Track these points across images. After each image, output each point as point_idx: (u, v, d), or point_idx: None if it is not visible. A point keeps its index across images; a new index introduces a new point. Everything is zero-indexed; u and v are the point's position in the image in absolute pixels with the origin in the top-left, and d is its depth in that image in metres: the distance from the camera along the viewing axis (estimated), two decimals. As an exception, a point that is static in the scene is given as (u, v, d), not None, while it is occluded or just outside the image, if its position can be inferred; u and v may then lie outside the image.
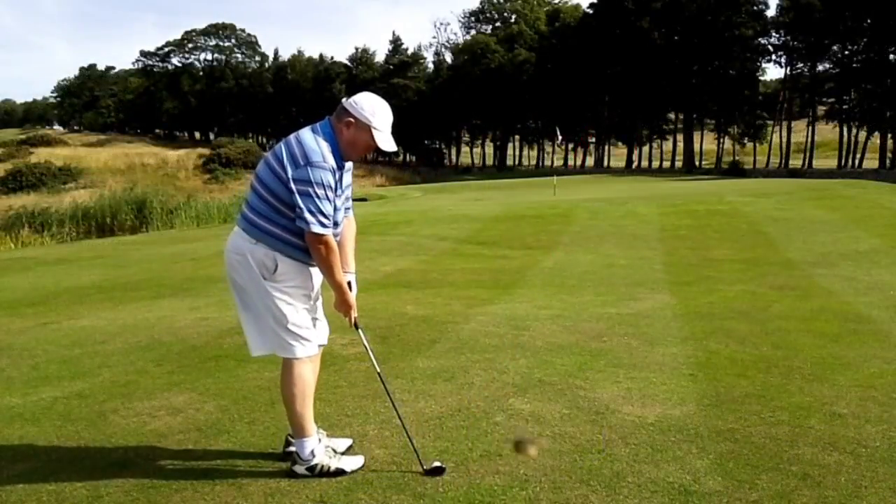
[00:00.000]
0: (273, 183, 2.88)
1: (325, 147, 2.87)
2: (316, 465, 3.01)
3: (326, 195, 2.85)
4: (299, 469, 3.01)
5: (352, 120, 2.91)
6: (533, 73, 69.68)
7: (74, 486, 2.97)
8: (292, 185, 2.81)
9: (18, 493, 2.92)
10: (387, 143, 2.94)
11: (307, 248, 2.91)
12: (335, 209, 2.94)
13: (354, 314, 3.12)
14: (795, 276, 8.55)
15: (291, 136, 2.94)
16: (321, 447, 3.06)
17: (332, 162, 2.86)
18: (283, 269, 2.94)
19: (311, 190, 2.81)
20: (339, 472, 3.02)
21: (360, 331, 3.20)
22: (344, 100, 2.96)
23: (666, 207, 16.91)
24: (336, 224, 2.98)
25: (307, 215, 2.82)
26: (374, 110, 2.92)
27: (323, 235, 2.86)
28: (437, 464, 3.04)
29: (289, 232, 2.90)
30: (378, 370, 3.26)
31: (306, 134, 2.91)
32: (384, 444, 3.33)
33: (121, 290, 8.57)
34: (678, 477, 2.95)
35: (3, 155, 52.80)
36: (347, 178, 3.04)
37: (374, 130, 2.91)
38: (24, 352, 5.35)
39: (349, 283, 3.08)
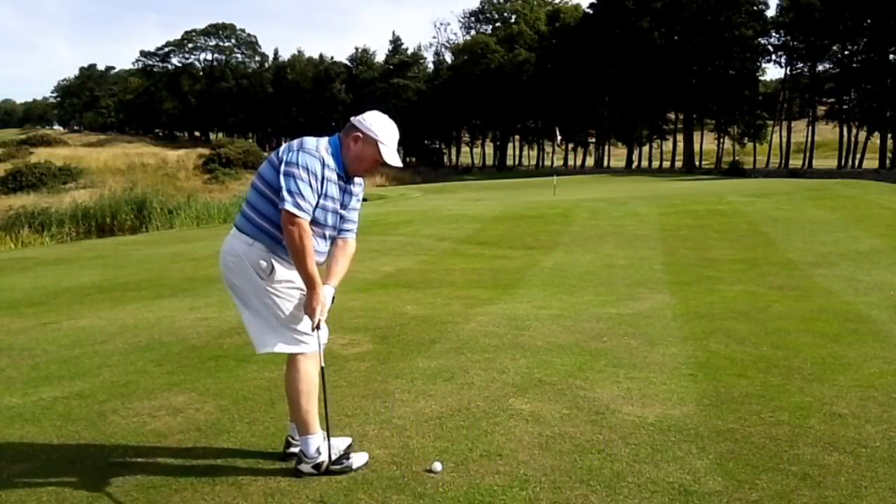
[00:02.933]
0: (270, 174, 2.95)
1: (325, 148, 2.95)
2: (322, 462, 3.01)
3: (310, 181, 2.86)
4: (305, 467, 3.01)
5: (359, 135, 2.98)
6: (533, 73, 69.67)
7: (74, 485, 2.97)
8: (282, 167, 2.88)
9: (18, 493, 2.92)
10: (392, 157, 3.00)
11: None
12: (325, 211, 2.95)
13: (320, 317, 2.96)
14: (795, 276, 8.55)
15: (294, 141, 3.02)
16: (326, 445, 3.06)
17: (325, 156, 2.92)
18: (279, 270, 2.96)
19: (295, 171, 2.85)
20: (346, 469, 3.03)
21: (318, 332, 3.02)
22: (352, 118, 3.05)
23: (666, 207, 16.91)
24: (328, 227, 3.00)
25: (285, 193, 2.82)
26: (380, 126, 3.00)
27: (297, 216, 2.81)
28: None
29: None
30: (322, 365, 3.07)
31: (310, 137, 3.02)
32: (384, 444, 3.33)
33: (121, 290, 8.56)
34: (678, 477, 2.96)
35: (3, 155, 52.70)
36: (355, 201, 3.11)
37: (380, 144, 2.98)
38: (24, 352, 5.35)
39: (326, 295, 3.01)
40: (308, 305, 2.95)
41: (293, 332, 3.00)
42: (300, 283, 3.01)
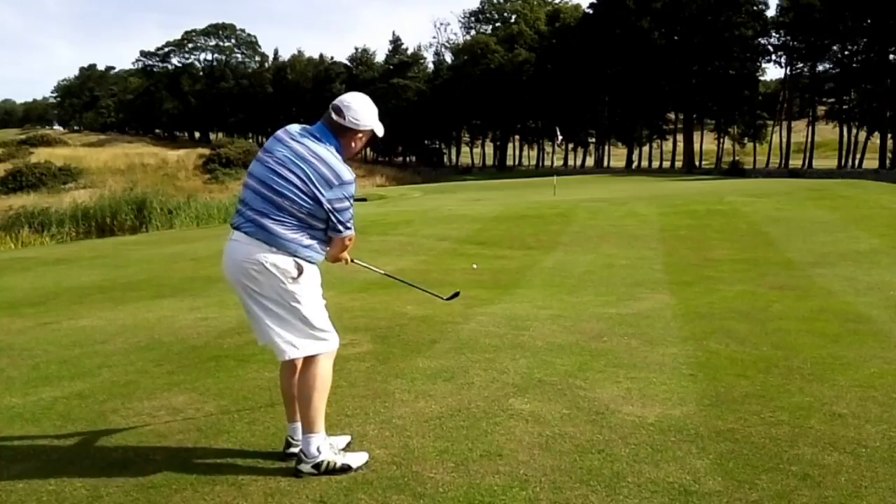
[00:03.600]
0: (303, 200, 2.89)
1: (341, 159, 2.99)
2: (322, 462, 3.00)
3: (353, 202, 3.05)
4: (305, 467, 3.00)
5: (361, 135, 3.04)
6: (533, 74, 69.67)
7: (74, 486, 2.97)
8: (328, 206, 2.92)
9: (18, 493, 2.92)
10: (381, 129, 3.11)
11: (324, 249, 3.06)
12: None
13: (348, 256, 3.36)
14: (795, 276, 8.55)
15: (308, 155, 2.91)
16: (326, 444, 3.06)
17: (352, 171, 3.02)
18: (306, 271, 2.98)
19: (346, 204, 2.98)
20: (346, 469, 3.02)
21: (355, 261, 3.52)
22: (337, 118, 2.98)
23: (666, 207, 16.91)
24: None
25: (348, 224, 3.02)
26: (369, 116, 3.03)
27: (352, 232, 3.09)
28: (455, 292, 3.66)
29: (316, 239, 2.99)
30: (382, 272, 3.82)
31: (326, 153, 2.94)
32: (384, 444, 3.33)
33: (121, 290, 8.57)
34: (678, 477, 2.95)
35: (3, 155, 52.80)
36: None
37: (375, 130, 3.07)
38: (24, 352, 5.35)
39: None
40: (341, 256, 3.23)
41: (317, 331, 3.01)
42: (318, 281, 3.07)
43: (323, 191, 2.89)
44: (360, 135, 3.03)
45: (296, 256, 2.94)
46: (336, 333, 3.13)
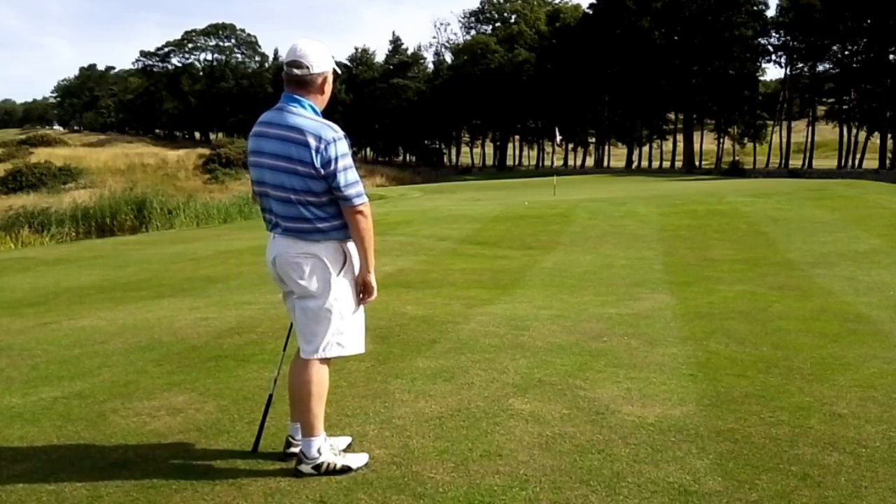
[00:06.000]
0: (318, 181, 2.81)
1: (320, 117, 2.87)
2: (322, 463, 3.00)
3: (353, 162, 2.87)
4: (305, 468, 3.00)
5: (327, 78, 2.93)
6: (533, 74, 69.71)
7: (74, 486, 2.97)
8: (324, 171, 2.78)
9: (18, 493, 2.92)
10: (336, 66, 3.00)
11: None
12: None
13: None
14: (795, 276, 8.55)
15: (292, 134, 2.80)
16: (326, 445, 3.05)
17: (340, 129, 2.84)
18: (352, 255, 2.96)
19: (342, 163, 2.79)
20: (346, 470, 3.02)
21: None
22: (300, 72, 2.85)
23: (666, 207, 16.91)
24: None
25: (351, 190, 2.81)
26: (324, 52, 2.91)
27: (366, 204, 2.87)
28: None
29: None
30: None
31: (304, 121, 2.82)
32: (384, 444, 3.33)
33: (121, 290, 8.56)
34: (678, 477, 2.95)
35: (3, 155, 52.81)
36: None
37: (336, 69, 2.98)
38: (24, 352, 5.34)
39: None
40: (369, 284, 3.00)
41: (348, 332, 3.01)
42: (357, 270, 3.01)
43: (320, 161, 2.77)
44: (327, 77, 2.92)
45: (342, 242, 2.92)
46: (364, 340, 3.12)
